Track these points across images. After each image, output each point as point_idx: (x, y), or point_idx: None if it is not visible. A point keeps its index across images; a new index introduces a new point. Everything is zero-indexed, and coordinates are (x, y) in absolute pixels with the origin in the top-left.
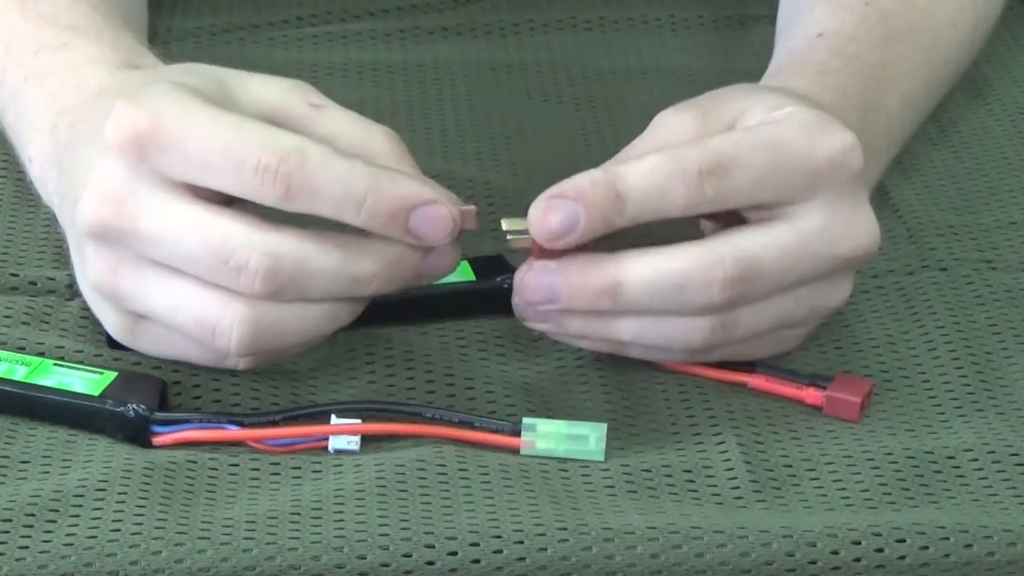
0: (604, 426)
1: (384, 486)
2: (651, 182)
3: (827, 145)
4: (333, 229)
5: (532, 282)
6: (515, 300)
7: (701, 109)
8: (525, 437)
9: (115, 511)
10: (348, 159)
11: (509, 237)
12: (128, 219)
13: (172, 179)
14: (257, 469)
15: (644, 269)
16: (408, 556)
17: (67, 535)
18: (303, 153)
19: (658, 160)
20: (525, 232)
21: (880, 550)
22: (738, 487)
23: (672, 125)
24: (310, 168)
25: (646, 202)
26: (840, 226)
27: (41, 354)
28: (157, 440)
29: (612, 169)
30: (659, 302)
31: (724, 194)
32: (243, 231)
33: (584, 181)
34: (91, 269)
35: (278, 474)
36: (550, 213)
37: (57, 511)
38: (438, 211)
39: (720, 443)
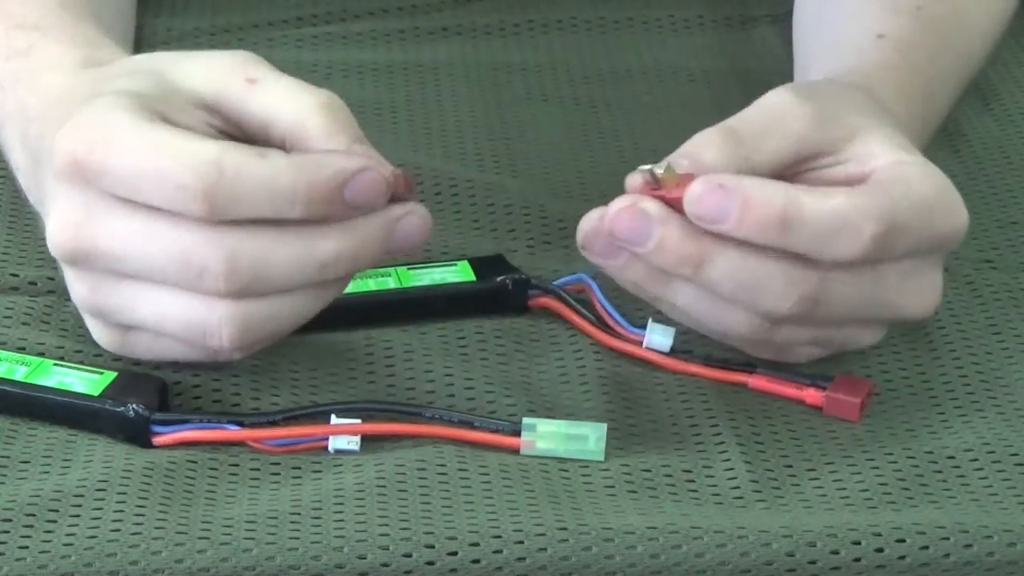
0: (604, 426)
1: (384, 486)
2: (826, 227)
3: (955, 222)
4: None
5: (626, 217)
6: (583, 229)
7: (821, 109)
8: (525, 437)
9: (115, 511)
10: (268, 158)
11: (643, 168)
12: (88, 241)
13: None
14: (257, 469)
15: (734, 257)
16: (408, 556)
17: (67, 535)
18: (218, 165)
19: (842, 207)
20: (659, 178)
21: (880, 550)
22: (738, 487)
23: (791, 114)
24: (228, 179)
25: (808, 242)
26: (915, 288)
27: (41, 354)
28: (157, 440)
29: (796, 198)
30: (731, 291)
31: (879, 254)
32: (198, 234)
33: (760, 195)
34: (73, 291)
35: (278, 474)
36: (709, 196)
37: (57, 511)
38: (368, 177)
39: (720, 443)
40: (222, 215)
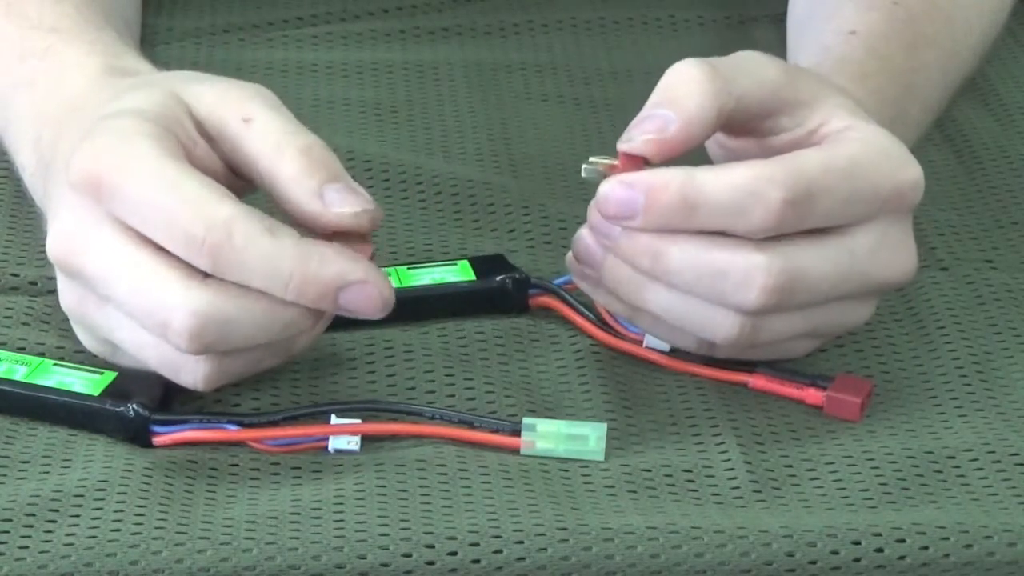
0: (604, 426)
1: (384, 486)
2: (730, 199)
3: (901, 177)
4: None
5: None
6: (570, 256)
7: (789, 75)
8: (525, 437)
9: (115, 511)
10: (276, 236)
11: (589, 164)
12: (78, 257)
13: (123, 222)
14: (257, 469)
15: (689, 247)
16: (408, 556)
17: (67, 535)
18: (230, 227)
19: (744, 178)
20: (603, 172)
21: (880, 550)
22: (738, 487)
23: (766, 61)
24: (236, 244)
25: (718, 216)
26: (889, 252)
27: (41, 354)
28: (157, 440)
29: (692, 177)
30: (695, 282)
31: (800, 220)
32: (170, 287)
33: (658, 181)
34: (62, 298)
35: (278, 474)
36: (613, 195)
37: (57, 511)
38: (367, 291)
39: (720, 443)
40: (221, 274)
